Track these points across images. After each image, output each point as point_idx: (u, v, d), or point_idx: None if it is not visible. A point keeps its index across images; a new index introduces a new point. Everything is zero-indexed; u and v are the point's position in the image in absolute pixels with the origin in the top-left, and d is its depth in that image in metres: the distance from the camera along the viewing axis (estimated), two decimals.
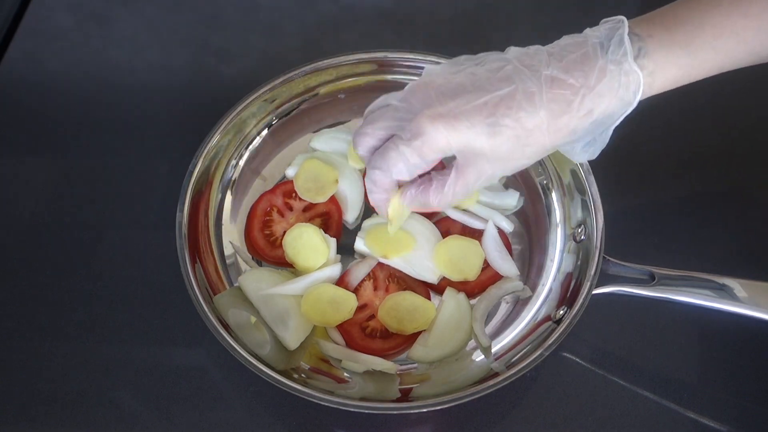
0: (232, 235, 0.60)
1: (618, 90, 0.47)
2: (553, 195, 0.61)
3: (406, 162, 0.48)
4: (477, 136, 0.46)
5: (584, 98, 0.46)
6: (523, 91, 0.46)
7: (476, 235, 0.59)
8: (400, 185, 0.51)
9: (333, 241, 0.58)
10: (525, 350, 0.52)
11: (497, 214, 0.60)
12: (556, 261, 0.58)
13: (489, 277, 0.58)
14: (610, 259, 0.54)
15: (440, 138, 0.47)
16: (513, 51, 0.49)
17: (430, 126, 0.46)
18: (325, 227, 0.59)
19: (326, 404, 0.48)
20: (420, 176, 0.50)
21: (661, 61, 0.47)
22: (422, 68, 0.64)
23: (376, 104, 0.51)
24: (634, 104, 0.48)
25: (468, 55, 0.50)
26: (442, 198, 0.50)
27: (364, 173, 0.63)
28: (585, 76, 0.46)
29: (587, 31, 0.48)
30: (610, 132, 0.49)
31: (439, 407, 0.48)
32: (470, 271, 0.57)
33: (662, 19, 0.48)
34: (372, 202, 0.53)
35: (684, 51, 0.47)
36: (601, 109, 0.47)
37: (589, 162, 0.58)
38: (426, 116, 0.47)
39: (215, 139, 0.60)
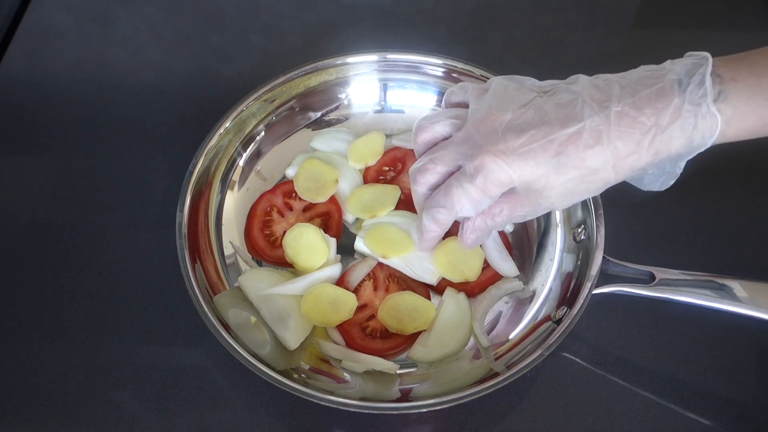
0: (232, 235, 0.60)
1: (692, 132, 0.44)
2: None
3: (471, 199, 0.47)
4: (542, 173, 0.45)
5: (654, 138, 0.44)
6: (591, 129, 0.44)
7: None
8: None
9: (333, 241, 0.58)
10: (525, 350, 0.52)
11: None
12: (556, 261, 0.58)
13: (489, 277, 0.58)
14: (610, 259, 0.54)
15: (504, 175, 0.45)
16: (583, 81, 0.47)
17: (494, 164, 0.45)
18: (325, 227, 0.59)
19: (326, 404, 0.48)
20: None
21: (741, 108, 0.44)
22: (422, 68, 0.65)
23: (432, 122, 0.50)
24: (706, 147, 0.45)
25: (534, 80, 0.48)
26: (497, 227, 0.49)
27: (364, 173, 0.63)
28: (657, 114, 0.44)
29: (667, 63, 0.46)
30: (682, 165, 0.47)
31: (439, 407, 0.48)
32: (470, 272, 0.57)
33: (751, 63, 0.44)
34: (424, 241, 0.52)
35: (762, 102, 0.44)
36: (670, 149, 0.45)
37: None
38: (490, 153, 0.45)
39: (215, 139, 0.60)
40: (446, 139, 0.50)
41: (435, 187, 0.49)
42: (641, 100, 0.44)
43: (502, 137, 0.45)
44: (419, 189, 0.50)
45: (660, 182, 0.49)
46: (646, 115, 0.44)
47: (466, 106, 0.50)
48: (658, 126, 0.44)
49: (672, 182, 0.49)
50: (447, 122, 0.49)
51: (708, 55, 0.45)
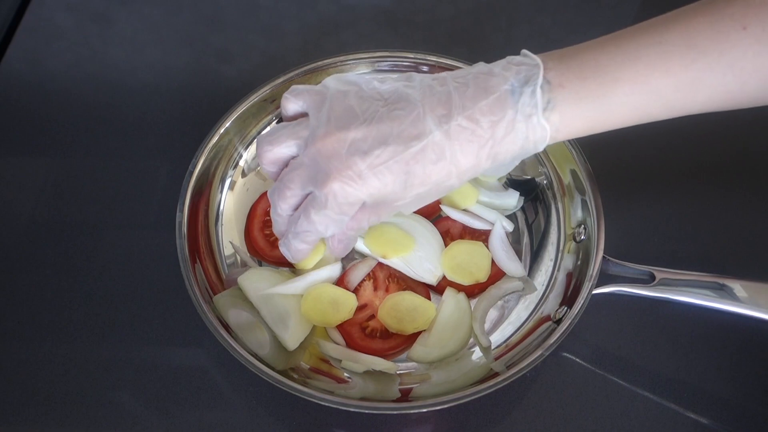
0: (232, 235, 0.60)
1: (525, 141, 0.47)
2: (553, 195, 0.61)
3: (331, 221, 0.48)
4: (390, 191, 0.47)
5: (491, 149, 0.47)
6: (433, 145, 0.46)
7: (476, 235, 0.59)
8: None
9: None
10: (525, 350, 0.52)
11: (498, 214, 0.60)
12: (556, 261, 0.58)
13: (489, 277, 0.57)
14: (610, 259, 0.54)
15: (354, 198, 0.47)
16: (417, 82, 0.48)
17: (343, 190, 0.46)
18: None
19: (326, 404, 0.48)
20: None
21: (568, 115, 0.46)
22: (422, 68, 0.65)
23: (274, 143, 0.50)
24: (538, 151, 0.48)
25: (372, 81, 0.49)
26: (359, 231, 0.51)
27: None
28: (493, 128, 0.46)
29: (499, 69, 0.47)
30: (516, 162, 0.51)
31: (439, 407, 0.48)
32: (479, 273, 0.57)
33: (580, 63, 0.46)
34: (297, 259, 0.53)
35: (594, 105, 0.45)
36: (506, 157, 0.48)
37: (590, 162, 0.58)
38: (337, 180, 0.46)
39: (215, 139, 0.60)
40: (294, 157, 0.50)
41: (296, 207, 0.51)
42: (478, 112, 0.46)
43: (346, 161, 0.46)
44: (282, 213, 0.51)
45: (496, 174, 0.55)
46: (483, 128, 0.46)
47: (304, 115, 0.51)
48: (494, 139, 0.46)
49: (507, 171, 0.56)
50: (290, 143, 0.50)
51: (539, 62, 0.46)
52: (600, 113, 0.46)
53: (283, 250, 0.53)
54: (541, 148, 0.48)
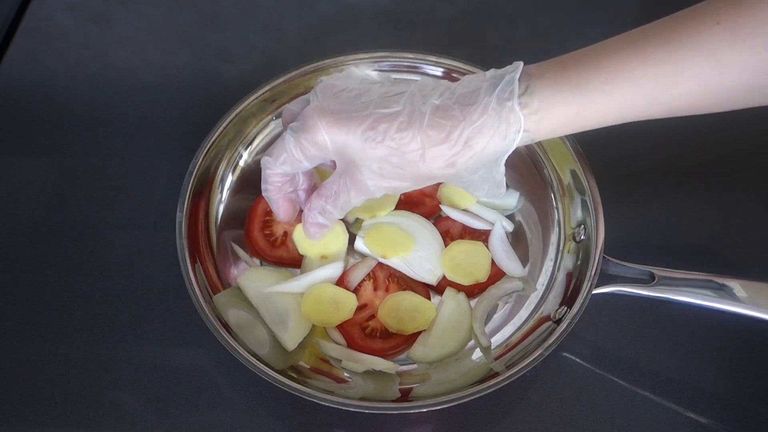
0: (232, 235, 0.60)
1: (499, 126, 0.47)
2: (553, 195, 0.61)
3: (289, 152, 0.50)
4: (353, 143, 0.48)
5: (464, 130, 0.47)
6: (407, 114, 0.48)
7: (476, 235, 0.59)
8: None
9: (345, 237, 0.58)
10: (525, 350, 0.52)
11: (498, 214, 0.60)
12: (556, 261, 0.58)
13: (489, 276, 0.57)
14: (610, 259, 0.54)
15: (319, 134, 0.49)
16: (421, 81, 0.50)
17: (315, 120, 0.49)
18: None
19: (326, 404, 0.48)
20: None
21: (547, 99, 0.46)
22: (422, 68, 0.65)
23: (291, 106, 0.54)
24: (516, 144, 0.47)
25: (397, 78, 0.53)
26: (331, 201, 0.52)
27: None
28: (467, 109, 0.47)
29: (490, 71, 0.49)
30: (501, 171, 0.49)
31: (439, 407, 0.48)
32: (480, 273, 0.57)
33: (560, 61, 0.48)
34: (264, 194, 0.55)
35: (573, 92, 0.46)
36: (481, 143, 0.47)
37: (590, 162, 0.58)
38: (316, 110, 0.49)
39: (215, 139, 0.60)
40: None
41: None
42: (459, 98, 0.48)
43: (332, 100, 0.49)
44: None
45: (485, 190, 0.51)
46: (459, 110, 0.47)
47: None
48: (469, 120, 0.47)
49: (499, 191, 0.51)
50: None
51: (521, 62, 0.48)
52: (581, 100, 0.46)
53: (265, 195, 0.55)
54: (518, 139, 0.47)
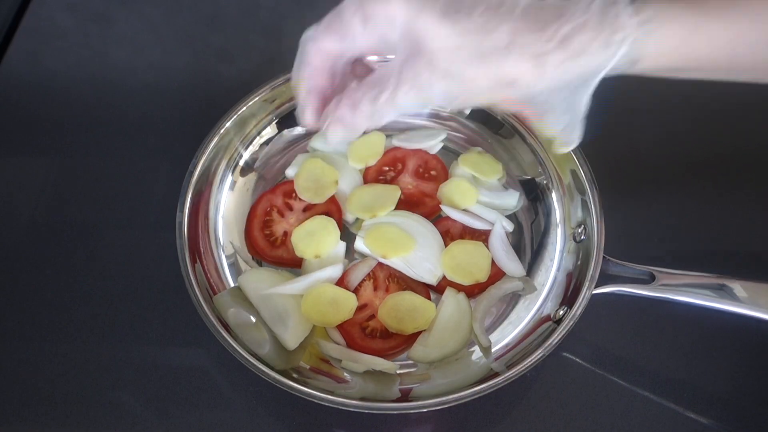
0: (232, 235, 0.60)
1: (603, 30, 0.40)
2: (553, 195, 0.61)
3: (345, 17, 0.41)
4: (428, 20, 0.40)
5: (562, 26, 0.40)
6: (506, 5, 0.40)
7: (476, 235, 0.59)
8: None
9: (342, 244, 0.58)
10: (525, 350, 0.52)
11: (498, 214, 0.60)
12: (556, 261, 0.58)
13: (489, 276, 0.58)
14: (610, 259, 0.54)
15: (391, 2, 0.40)
16: None
17: None
18: None
19: (326, 404, 0.48)
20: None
21: (663, 10, 0.40)
22: None
23: None
24: (617, 57, 0.40)
25: None
26: (371, 94, 0.42)
27: (364, 173, 0.63)
28: (569, 7, 0.40)
29: None
30: (586, 99, 0.42)
31: (439, 407, 0.48)
32: (479, 273, 0.57)
33: None
34: (293, 82, 0.46)
35: (689, 8, 0.40)
36: (578, 44, 0.40)
37: (589, 162, 0.58)
38: None
39: (215, 139, 0.60)
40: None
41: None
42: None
43: None
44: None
45: (562, 124, 0.44)
46: (557, 4, 0.41)
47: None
48: (569, 15, 0.40)
49: (574, 134, 0.44)
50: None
51: None
52: (695, 23, 0.41)
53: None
54: (620, 52, 0.40)
